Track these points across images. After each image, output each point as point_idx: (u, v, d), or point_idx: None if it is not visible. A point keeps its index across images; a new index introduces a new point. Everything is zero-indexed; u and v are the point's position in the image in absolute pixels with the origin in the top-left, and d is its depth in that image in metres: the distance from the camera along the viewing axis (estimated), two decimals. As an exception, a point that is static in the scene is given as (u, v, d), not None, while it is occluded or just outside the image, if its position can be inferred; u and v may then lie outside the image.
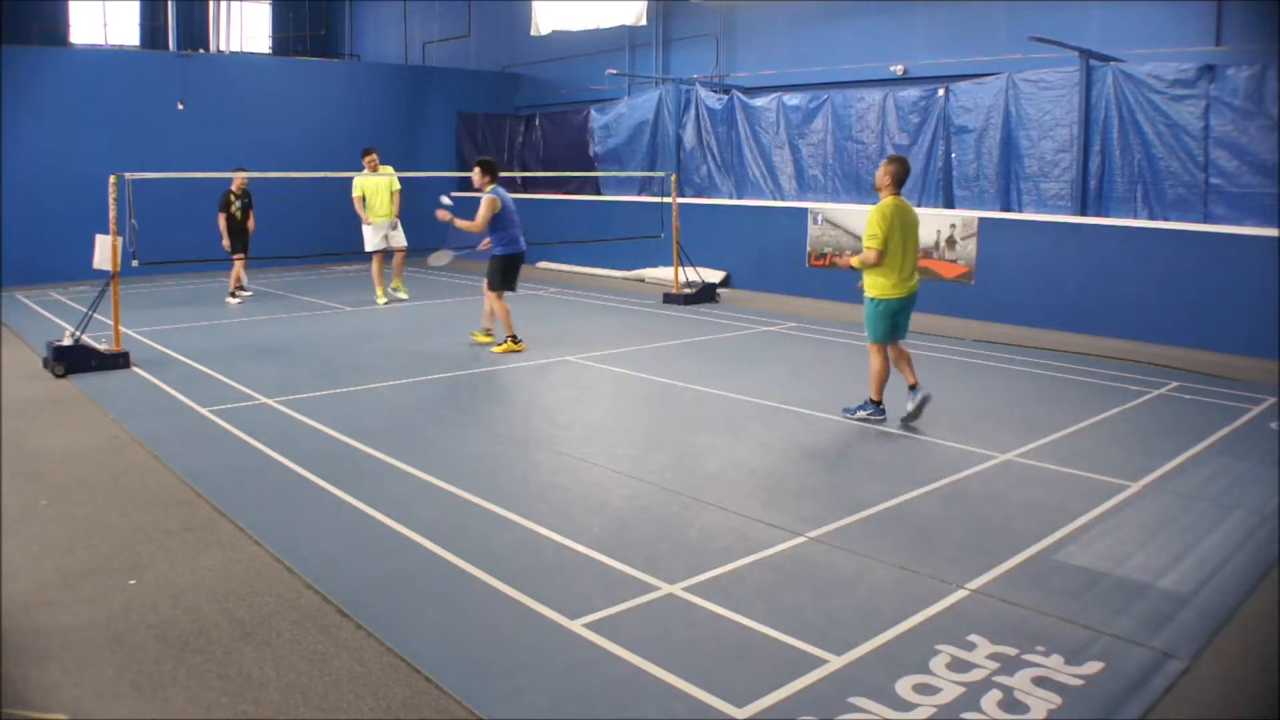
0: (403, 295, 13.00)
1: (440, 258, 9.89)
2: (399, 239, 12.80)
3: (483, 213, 8.87)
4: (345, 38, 24.57)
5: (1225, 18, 10.73)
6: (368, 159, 12.68)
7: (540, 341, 9.87)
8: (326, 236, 13.60)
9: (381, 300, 12.61)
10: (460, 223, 9.01)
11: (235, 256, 12.45)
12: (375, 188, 12.57)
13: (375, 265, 12.88)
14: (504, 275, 9.19)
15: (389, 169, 12.75)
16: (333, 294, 13.43)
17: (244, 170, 12.36)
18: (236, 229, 12.44)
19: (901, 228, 6.45)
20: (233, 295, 12.74)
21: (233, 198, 12.39)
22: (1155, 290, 10.25)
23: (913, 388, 6.86)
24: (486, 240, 9.22)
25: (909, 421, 6.68)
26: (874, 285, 6.61)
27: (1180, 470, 5.75)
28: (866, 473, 5.80)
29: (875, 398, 6.75)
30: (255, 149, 15.84)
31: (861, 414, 6.77)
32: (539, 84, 19.66)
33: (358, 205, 12.55)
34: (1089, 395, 7.71)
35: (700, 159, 15.63)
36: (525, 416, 7.09)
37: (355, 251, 16.57)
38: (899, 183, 6.57)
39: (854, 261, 6.63)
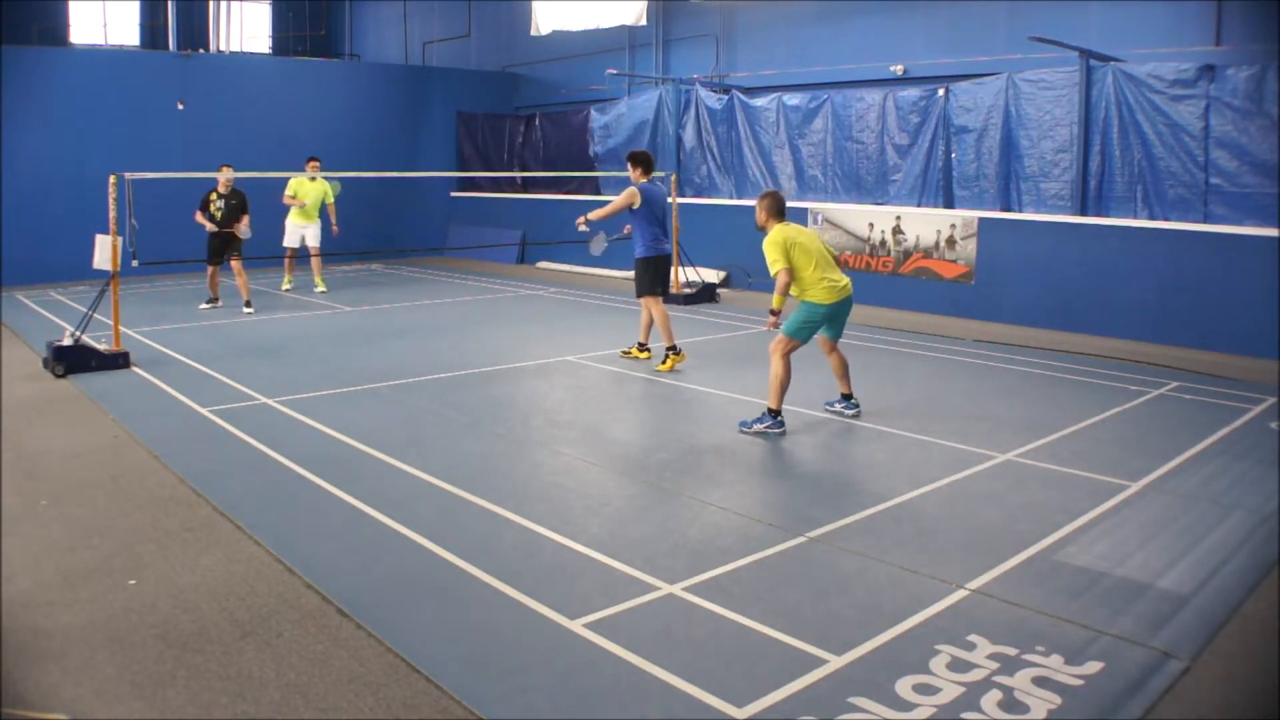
0: (321, 289, 13.75)
1: (598, 244, 9.30)
2: (313, 239, 13.42)
3: (617, 201, 8.60)
4: (345, 38, 24.57)
5: (1225, 18, 10.74)
6: (309, 165, 13.23)
7: (540, 341, 9.87)
8: (325, 236, 13.60)
9: (286, 287, 13.75)
10: (594, 213, 8.72)
11: (213, 263, 11.67)
12: (307, 192, 13.22)
13: (289, 258, 13.70)
14: (653, 278, 8.68)
15: (324, 182, 13.39)
16: (332, 294, 13.43)
17: (229, 168, 11.49)
18: (217, 231, 11.45)
19: (798, 247, 6.48)
20: (209, 303, 12.05)
21: (214, 197, 11.43)
22: (1155, 290, 10.25)
23: (847, 397, 7.00)
24: (628, 227, 8.82)
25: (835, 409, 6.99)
26: (808, 296, 6.57)
27: (1180, 470, 5.75)
28: (866, 473, 5.80)
29: (775, 407, 6.48)
30: (255, 149, 15.84)
31: (759, 426, 6.45)
32: (539, 84, 19.66)
33: (287, 200, 13.19)
34: (1089, 395, 7.71)
35: (700, 159, 15.63)
36: (525, 416, 7.09)
37: (354, 252, 16.67)
38: (777, 213, 6.67)
39: (775, 302, 6.41)
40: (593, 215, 8.77)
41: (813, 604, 3.92)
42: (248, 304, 11.72)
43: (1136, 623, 3.78)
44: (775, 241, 6.49)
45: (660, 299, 8.71)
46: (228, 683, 3.31)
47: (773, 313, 6.48)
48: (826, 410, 7.04)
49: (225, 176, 11.42)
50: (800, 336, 6.58)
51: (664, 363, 8.54)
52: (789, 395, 7.51)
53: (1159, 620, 3.81)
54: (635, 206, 8.56)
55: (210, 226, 11.53)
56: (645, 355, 8.90)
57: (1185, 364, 8.93)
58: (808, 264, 6.49)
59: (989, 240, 11.68)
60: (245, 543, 4.55)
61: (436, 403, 7.31)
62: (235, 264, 11.65)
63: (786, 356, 6.53)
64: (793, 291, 6.57)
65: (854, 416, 6.90)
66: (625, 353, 9.05)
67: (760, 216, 6.74)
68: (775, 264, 6.45)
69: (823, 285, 6.52)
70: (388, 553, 4.44)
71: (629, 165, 8.80)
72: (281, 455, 5.88)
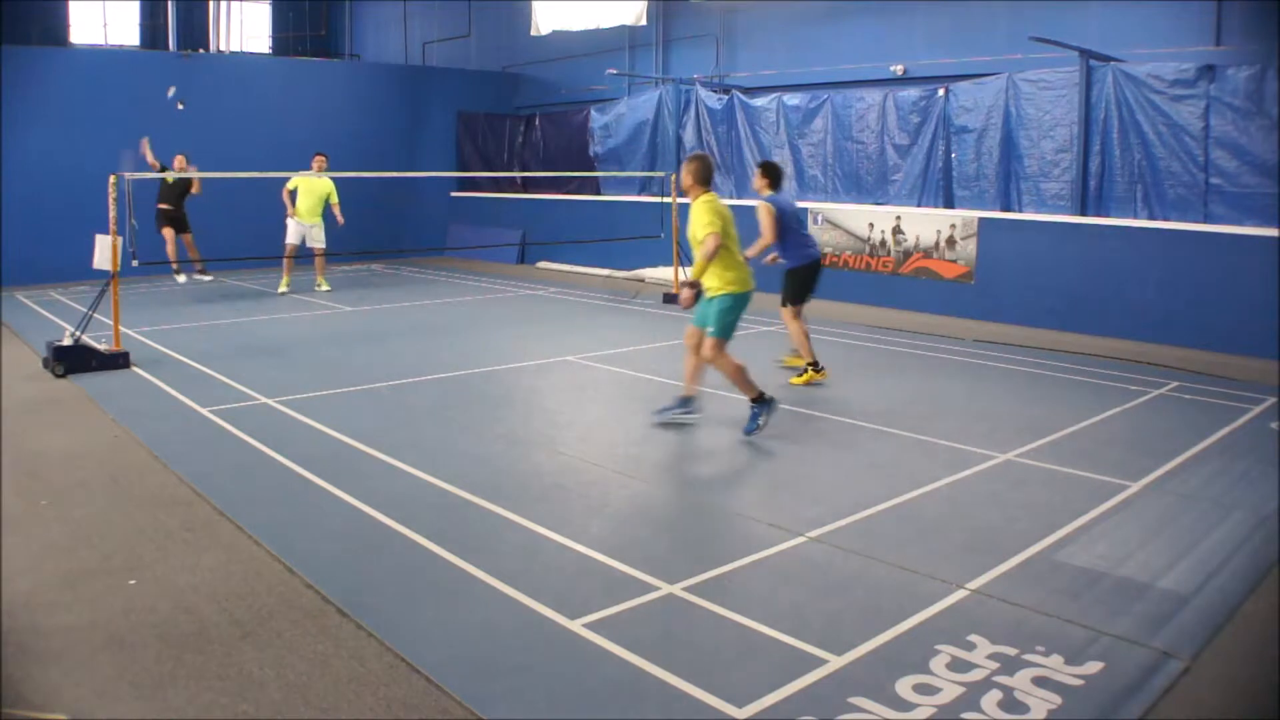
0: (325, 288, 13.72)
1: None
2: (318, 239, 13.37)
3: (764, 220, 7.87)
4: (345, 38, 24.56)
5: (1225, 18, 10.74)
6: (316, 160, 13.22)
7: (540, 341, 9.87)
8: (330, 235, 13.59)
9: (283, 289, 13.30)
10: (750, 251, 7.81)
11: (169, 232, 12.62)
12: (309, 189, 13.13)
13: (288, 258, 13.40)
14: (793, 288, 8.04)
15: (330, 181, 13.34)
16: (333, 294, 13.43)
17: (183, 157, 12.52)
18: (167, 195, 12.63)
19: (728, 222, 6.16)
20: (179, 273, 12.91)
21: (169, 175, 12.51)
22: (1155, 290, 10.25)
23: (687, 400, 6.58)
24: (773, 255, 8.11)
25: (662, 418, 6.55)
26: (731, 280, 6.18)
27: (1180, 470, 5.75)
28: (866, 473, 5.80)
29: (755, 395, 6.21)
30: (255, 149, 15.83)
31: (761, 421, 6.20)
32: (539, 84, 19.66)
33: (285, 196, 13.12)
34: (1089, 395, 7.71)
35: (700, 159, 15.62)
36: (525, 416, 7.09)
37: (354, 252, 16.66)
38: (704, 180, 6.26)
39: (696, 270, 6.05)
40: (750, 251, 7.88)
41: (813, 604, 3.92)
42: (178, 270, 12.83)
43: (1136, 623, 3.78)
44: (712, 207, 6.11)
45: (795, 312, 8.05)
46: (228, 683, 3.31)
47: (691, 285, 6.04)
48: (660, 416, 6.62)
49: (179, 162, 12.54)
50: (730, 335, 6.26)
51: (800, 376, 7.97)
52: (794, 396, 7.51)
53: (1159, 620, 3.81)
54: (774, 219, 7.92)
55: (153, 163, 12.41)
56: (823, 375, 8.04)
57: (1185, 364, 8.93)
58: (734, 245, 6.11)
59: (989, 240, 11.68)
60: (245, 543, 4.55)
61: (436, 403, 7.31)
62: (187, 238, 12.75)
63: (725, 352, 6.23)
64: (711, 279, 6.16)
65: (698, 419, 6.58)
66: (799, 374, 8.06)
67: (685, 180, 6.29)
68: (710, 225, 5.99)
69: (746, 270, 6.19)
70: (388, 553, 4.44)
71: (758, 175, 8.14)
72: (282, 455, 5.88)
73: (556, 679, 3.34)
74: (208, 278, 13.24)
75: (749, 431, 6.29)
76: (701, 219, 6.12)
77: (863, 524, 4.83)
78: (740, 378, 6.24)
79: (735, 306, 6.24)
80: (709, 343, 6.23)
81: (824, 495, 5.34)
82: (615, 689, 3.27)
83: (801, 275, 8.12)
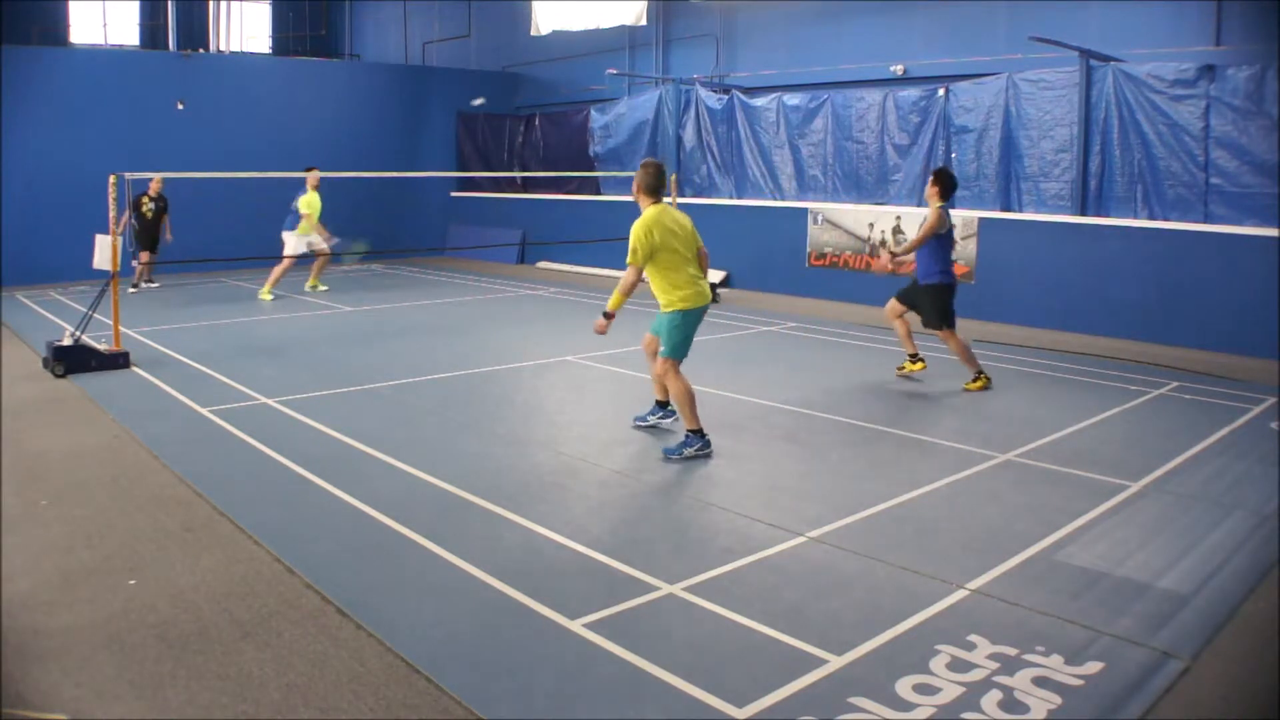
0: (322, 288, 13.79)
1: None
2: (319, 243, 13.24)
3: (929, 224, 7.66)
4: (345, 38, 24.57)
5: (1225, 18, 10.75)
6: (313, 176, 12.83)
7: (540, 341, 9.87)
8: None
9: (268, 298, 12.75)
10: (901, 249, 7.91)
11: (143, 252, 13.34)
12: (315, 204, 12.87)
13: (284, 266, 12.89)
14: (946, 306, 7.83)
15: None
16: (332, 294, 13.43)
17: (158, 174, 12.84)
18: (146, 227, 13.29)
19: (672, 238, 5.79)
20: (135, 286, 13.42)
21: (146, 200, 13.20)
22: (1155, 290, 10.26)
23: (663, 405, 6.48)
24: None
25: (641, 424, 6.51)
26: (682, 297, 5.86)
27: (1180, 470, 5.75)
28: (866, 473, 5.80)
29: (695, 426, 5.85)
30: (255, 149, 15.83)
31: (689, 451, 5.81)
32: (539, 84, 19.67)
33: (311, 222, 12.80)
34: (1089, 395, 7.71)
35: (700, 159, 15.64)
36: (525, 416, 7.09)
37: (354, 252, 16.66)
38: (647, 189, 5.88)
39: (613, 303, 5.80)
40: (900, 250, 8.06)
41: (813, 604, 3.92)
42: (136, 285, 13.47)
43: (1136, 623, 3.78)
44: (647, 227, 5.73)
45: (953, 332, 7.89)
46: (228, 683, 3.31)
47: (607, 315, 5.82)
48: (638, 425, 6.57)
49: (155, 182, 13.11)
50: (682, 354, 5.96)
51: (975, 382, 7.82)
52: (794, 396, 7.50)
53: (1159, 620, 3.81)
54: (942, 232, 7.72)
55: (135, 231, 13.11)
56: (920, 366, 8.18)
57: (1185, 364, 8.93)
58: (680, 260, 5.81)
59: (989, 240, 11.68)
60: (245, 543, 4.55)
61: (436, 403, 7.31)
62: (148, 255, 13.38)
63: (679, 373, 5.95)
64: (661, 295, 5.93)
65: (674, 422, 6.40)
66: (900, 369, 8.25)
67: (634, 190, 5.96)
68: (633, 254, 5.72)
69: (695, 288, 5.89)
70: (388, 553, 4.44)
71: (932, 184, 7.85)
72: (281, 455, 5.88)
73: (556, 679, 3.34)
74: (155, 284, 13.94)
75: (669, 454, 5.88)
76: (632, 242, 5.77)
77: (863, 524, 4.82)
78: (687, 402, 5.87)
79: (685, 323, 5.90)
80: (661, 362, 5.98)
81: (824, 495, 5.34)
82: (615, 689, 3.27)
83: (949, 293, 7.88)
